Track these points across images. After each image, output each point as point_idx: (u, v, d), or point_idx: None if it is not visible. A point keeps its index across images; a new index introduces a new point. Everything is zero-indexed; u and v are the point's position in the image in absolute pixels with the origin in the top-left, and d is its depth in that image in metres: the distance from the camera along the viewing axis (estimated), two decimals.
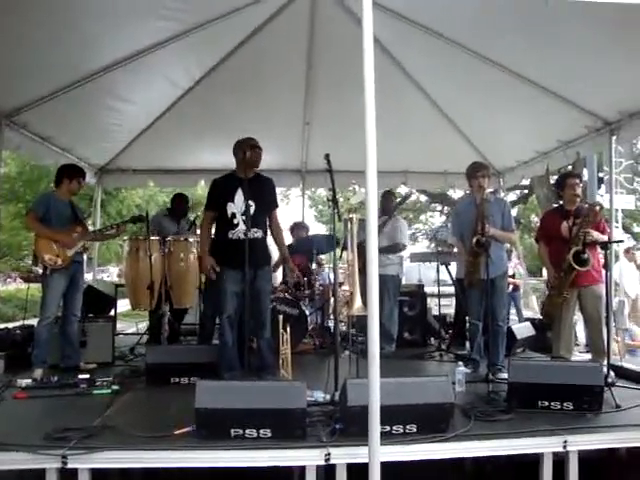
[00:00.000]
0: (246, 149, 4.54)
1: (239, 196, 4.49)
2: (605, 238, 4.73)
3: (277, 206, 4.90)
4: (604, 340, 4.72)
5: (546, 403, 3.65)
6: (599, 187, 12.08)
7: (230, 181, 4.57)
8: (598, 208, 4.77)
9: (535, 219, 22.01)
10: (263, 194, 4.66)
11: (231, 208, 4.51)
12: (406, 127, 6.77)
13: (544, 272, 12.69)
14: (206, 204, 4.80)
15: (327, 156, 4.15)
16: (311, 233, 8.11)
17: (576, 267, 4.57)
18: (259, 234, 4.55)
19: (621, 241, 5.67)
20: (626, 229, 17.16)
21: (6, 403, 3.95)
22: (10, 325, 6.49)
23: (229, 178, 4.62)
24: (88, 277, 8.83)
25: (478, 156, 7.41)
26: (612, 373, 4.29)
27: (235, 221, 4.48)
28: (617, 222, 8.65)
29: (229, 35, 5.73)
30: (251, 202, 4.48)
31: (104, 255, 17.35)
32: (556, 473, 3.17)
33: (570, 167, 10.90)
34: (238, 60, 6.03)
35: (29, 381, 4.44)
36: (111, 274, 24.43)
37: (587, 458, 3.25)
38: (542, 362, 4.52)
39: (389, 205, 6.40)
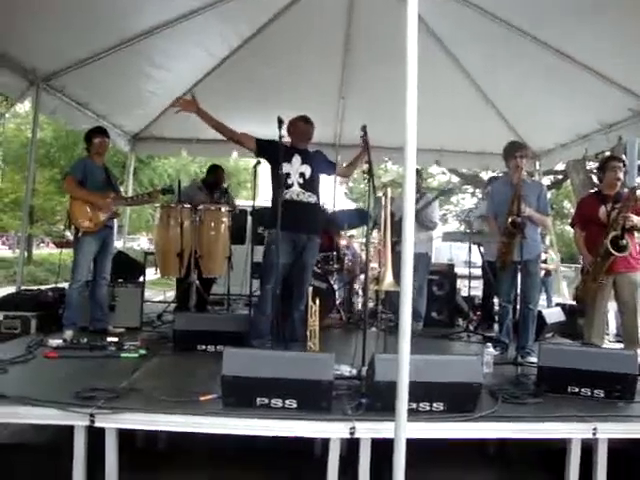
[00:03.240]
0: (303, 124, 4.72)
1: (296, 159, 4.61)
2: None
3: (334, 165, 5.09)
4: (638, 329, 4.60)
5: (576, 389, 3.57)
6: (638, 174, 11.77)
7: (288, 147, 4.60)
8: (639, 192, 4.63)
9: (568, 205, 21.62)
10: (318, 162, 4.78)
11: (286, 168, 4.54)
12: (442, 104, 6.62)
13: (577, 259, 12.52)
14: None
15: (364, 127, 4.09)
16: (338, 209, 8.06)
17: (614, 253, 4.46)
18: (313, 199, 4.65)
19: None
20: None
21: (37, 361, 4.01)
22: (42, 287, 6.59)
23: (286, 146, 4.59)
24: (118, 245, 8.97)
25: (515, 137, 7.25)
26: None
27: (290, 181, 4.54)
28: None
29: (267, 4, 5.67)
30: (307, 167, 4.62)
31: (134, 223, 17.56)
32: (583, 461, 3.11)
33: (608, 153, 10.63)
34: (275, 30, 5.99)
35: (60, 341, 4.52)
36: (141, 242, 24.75)
37: (615, 447, 3.18)
38: (574, 347, 4.43)
39: (416, 183, 6.27)
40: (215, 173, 6.91)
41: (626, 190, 4.76)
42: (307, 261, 4.68)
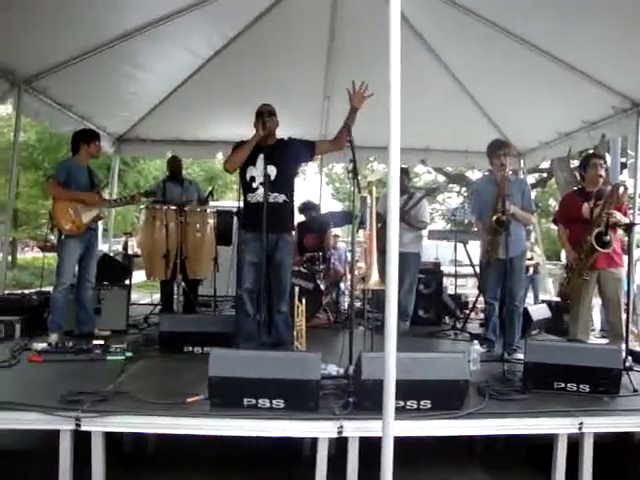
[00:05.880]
0: (256, 121, 4.47)
1: (260, 161, 4.40)
2: (627, 220, 4.64)
3: (313, 143, 4.72)
4: (622, 324, 4.64)
5: (562, 384, 3.59)
6: (621, 172, 11.87)
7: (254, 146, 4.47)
8: (622, 189, 4.67)
9: (553, 203, 21.78)
10: (286, 158, 4.53)
11: (251, 171, 4.45)
12: (427, 103, 6.66)
13: (562, 256, 12.60)
14: None
15: (349, 127, 4.08)
16: (325, 210, 8.06)
17: (598, 249, 4.49)
18: (280, 199, 4.44)
19: None
20: None
21: (22, 365, 3.98)
22: (26, 291, 6.54)
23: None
24: (104, 248, 8.90)
25: (500, 135, 7.29)
26: (629, 357, 4.23)
27: (254, 185, 4.43)
28: None
29: (251, 4, 5.66)
30: (272, 167, 4.37)
31: (119, 226, 17.41)
32: (569, 456, 3.13)
33: (591, 151, 10.72)
34: (259, 31, 5.98)
35: (44, 345, 4.48)
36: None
37: (601, 442, 3.20)
38: (559, 343, 4.47)
39: (403, 183, 6.26)
40: (171, 164, 6.91)
41: (609, 187, 4.80)
42: (280, 259, 4.50)
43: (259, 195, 4.36)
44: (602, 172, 4.83)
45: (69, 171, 5.13)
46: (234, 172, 4.60)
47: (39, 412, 2.85)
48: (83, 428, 2.81)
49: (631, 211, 5.30)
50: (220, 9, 5.37)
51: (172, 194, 6.32)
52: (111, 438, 2.95)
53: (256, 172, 4.43)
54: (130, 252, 8.65)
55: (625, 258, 4.71)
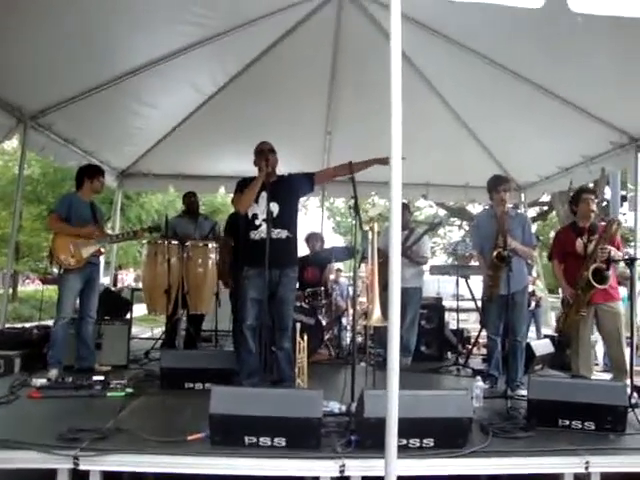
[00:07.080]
0: (255, 159, 4.53)
1: (262, 199, 4.41)
2: (621, 254, 4.66)
3: (312, 175, 4.69)
4: (626, 359, 4.60)
5: (567, 422, 3.55)
6: (621, 205, 11.93)
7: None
8: (616, 225, 4.68)
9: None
10: (287, 194, 4.55)
11: (253, 209, 4.46)
12: (428, 139, 6.70)
13: (560, 291, 12.58)
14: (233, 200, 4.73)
15: (350, 163, 4.12)
16: (328, 244, 8.06)
17: (595, 285, 4.47)
18: (283, 234, 4.44)
19: None
20: None
21: (21, 402, 3.94)
22: (27, 325, 6.51)
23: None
24: (106, 281, 8.90)
25: (500, 170, 7.35)
26: (635, 394, 4.18)
27: (257, 222, 4.43)
28: None
29: (254, 42, 5.75)
30: (274, 204, 4.38)
31: (121, 259, 17.41)
32: None
33: (592, 184, 10.78)
34: (262, 67, 6.06)
35: (44, 381, 4.44)
36: (128, 279, 24.57)
37: None
38: (563, 379, 4.42)
39: (404, 218, 6.27)
40: (186, 200, 6.93)
41: (602, 223, 4.82)
42: (283, 296, 4.46)
43: (262, 232, 4.35)
44: (594, 207, 4.86)
45: (70, 205, 5.16)
46: (245, 211, 4.51)
47: (36, 451, 2.81)
48: (81, 467, 2.77)
49: (632, 244, 5.31)
50: (223, 46, 5.46)
51: (184, 230, 6.35)
52: (109, 476, 2.90)
53: (258, 209, 4.44)
54: (120, 286, 8.68)
55: (621, 291, 4.70)
